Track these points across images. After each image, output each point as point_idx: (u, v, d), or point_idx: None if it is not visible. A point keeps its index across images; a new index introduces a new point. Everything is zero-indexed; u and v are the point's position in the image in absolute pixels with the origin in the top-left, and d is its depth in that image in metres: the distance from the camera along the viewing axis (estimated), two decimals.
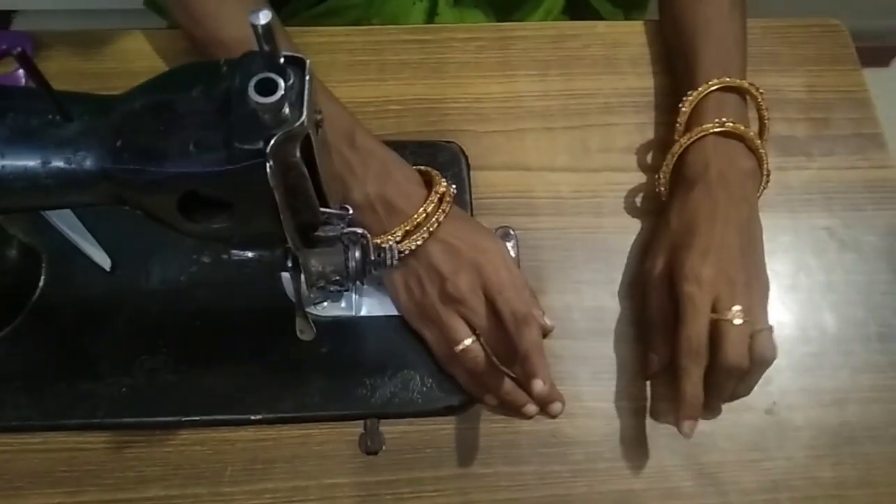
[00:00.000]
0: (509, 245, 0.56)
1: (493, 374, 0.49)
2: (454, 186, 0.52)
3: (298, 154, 0.34)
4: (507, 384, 0.49)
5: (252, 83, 0.32)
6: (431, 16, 0.73)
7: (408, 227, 0.50)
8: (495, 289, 0.49)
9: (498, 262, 0.51)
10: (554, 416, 0.48)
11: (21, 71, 0.61)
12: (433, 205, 0.50)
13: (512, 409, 0.50)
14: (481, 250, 0.51)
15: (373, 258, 0.44)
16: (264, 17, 0.30)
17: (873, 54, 1.44)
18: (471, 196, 0.58)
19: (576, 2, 0.77)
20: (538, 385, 0.45)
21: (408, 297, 0.52)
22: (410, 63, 0.64)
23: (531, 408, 0.48)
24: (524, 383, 0.47)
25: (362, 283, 0.45)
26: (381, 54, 0.64)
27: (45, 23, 1.35)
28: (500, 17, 0.74)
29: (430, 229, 0.50)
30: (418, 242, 0.50)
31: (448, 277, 0.50)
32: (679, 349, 0.48)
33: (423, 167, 0.54)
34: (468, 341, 0.49)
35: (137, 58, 0.63)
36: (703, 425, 0.52)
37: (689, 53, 0.58)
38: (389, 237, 0.50)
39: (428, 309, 0.51)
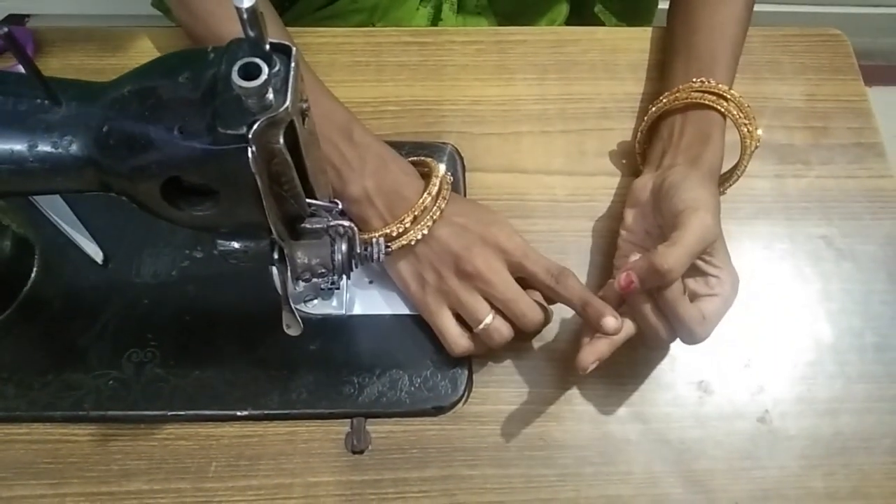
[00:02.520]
0: None
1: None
2: (450, 174, 0.53)
3: (282, 141, 0.34)
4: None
5: (236, 67, 0.32)
6: (435, 21, 0.73)
7: (416, 213, 0.50)
8: (518, 254, 0.50)
9: (509, 230, 0.52)
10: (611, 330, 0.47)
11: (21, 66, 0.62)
12: (436, 188, 0.51)
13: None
14: (488, 222, 0.51)
15: (359, 251, 0.43)
16: (248, 0, 0.30)
17: (882, 73, 1.43)
18: (465, 197, 0.58)
19: (580, 13, 0.77)
20: (610, 321, 0.46)
21: (420, 286, 0.52)
22: (409, 65, 0.64)
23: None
24: (593, 327, 0.48)
25: (348, 277, 0.44)
26: (380, 55, 0.64)
27: (57, 26, 1.36)
28: (502, 25, 0.74)
29: (436, 215, 0.50)
30: (429, 225, 0.50)
31: (461, 255, 0.50)
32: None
33: (418, 157, 0.54)
34: (489, 318, 0.50)
35: (138, 55, 0.63)
36: (694, 432, 0.51)
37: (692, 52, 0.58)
38: (398, 224, 0.50)
39: (447, 292, 0.51)
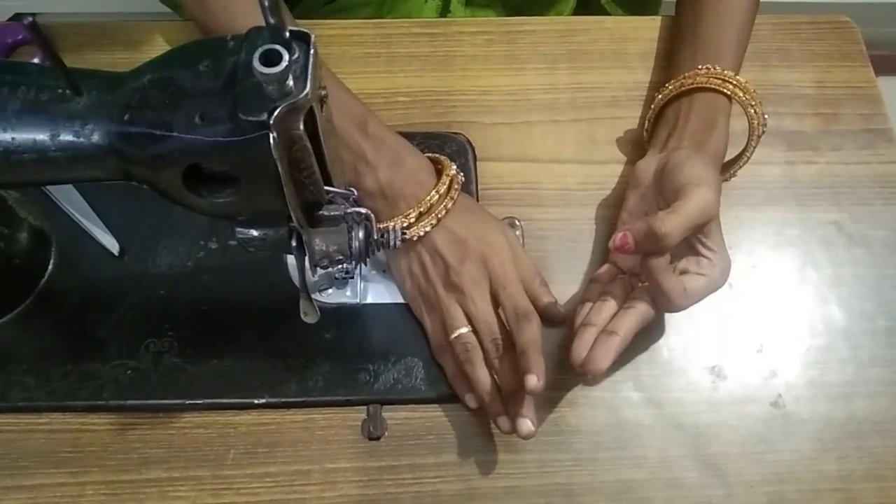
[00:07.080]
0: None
1: (479, 371, 0.49)
2: (461, 174, 0.53)
3: (302, 127, 0.35)
4: (489, 387, 0.49)
5: (257, 54, 0.32)
6: (444, 14, 0.73)
7: (421, 209, 0.50)
8: (500, 282, 0.50)
9: (505, 256, 0.51)
10: (523, 436, 0.47)
11: (36, 60, 0.62)
12: (444, 186, 0.51)
13: (489, 414, 0.50)
14: (488, 243, 0.51)
15: (376, 238, 0.44)
16: None
17: (889, 62, 1.43)
18: (477, 187, 0.59)
19: (586, 4, 0.77)
20: (532, 381, 0.46)
21: (412, 282, 0.52)
22: (419, 56, 0.64)
23: (504, 422, 0.49)
24: (518, 379, 0.47)
25: (365, 264, 0.45)
26: (390, 47, 0.65)
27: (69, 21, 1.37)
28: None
29: (439, 215, 0.51)
30: (427, 229, 0.50)
31: (453, 266, 0.50)
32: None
33: (432, 154, 0.54)
34: (464, 329, 0.50)
35: (150, 49, 0.64)
36: (708, 416, 0.52)
37: (699, 39, 0.58)
38: (402, 219, 0.50)
39: (430, 295, 0.51)
